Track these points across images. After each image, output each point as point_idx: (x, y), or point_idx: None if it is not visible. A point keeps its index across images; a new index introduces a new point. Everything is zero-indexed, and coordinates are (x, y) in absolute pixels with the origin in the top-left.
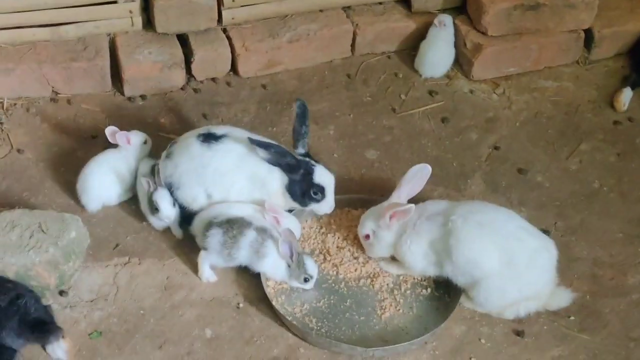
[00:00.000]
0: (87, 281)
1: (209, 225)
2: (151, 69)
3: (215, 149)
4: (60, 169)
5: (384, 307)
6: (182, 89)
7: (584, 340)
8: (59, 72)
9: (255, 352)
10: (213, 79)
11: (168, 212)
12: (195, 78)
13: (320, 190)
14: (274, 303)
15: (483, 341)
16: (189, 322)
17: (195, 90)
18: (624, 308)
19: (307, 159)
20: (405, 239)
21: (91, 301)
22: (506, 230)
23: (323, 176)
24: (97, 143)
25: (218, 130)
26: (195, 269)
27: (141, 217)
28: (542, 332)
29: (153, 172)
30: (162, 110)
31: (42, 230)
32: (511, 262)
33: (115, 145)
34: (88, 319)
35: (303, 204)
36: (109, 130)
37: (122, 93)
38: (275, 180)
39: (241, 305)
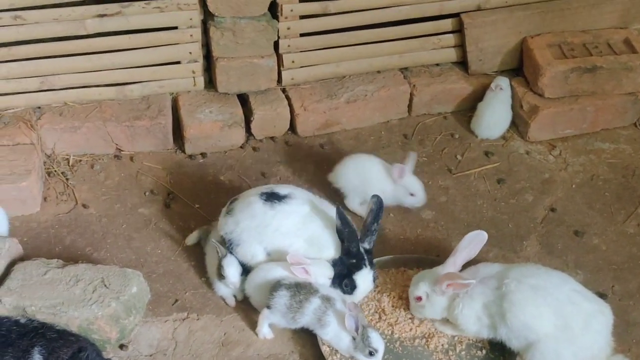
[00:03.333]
0: (146, 336)
1: (278, 285)
2: (212, 128)
3: (277, 209)
4: (122, 225)
5: None
6: (241, 147)
7: None
8: (122, 130)
9: None
10: (272, 138)
11: (234, 279)
12: (254, 137)
13: (352, 287)
14: None
15: None
16: None
17: (255, 149)
18: None
19: (365, 257)
20: (458, 302)
21: (150, 356)
22: (560, 293)
23: (363, 281)
24: (157, 200)
25: (281, 190)
26: (252, 325)
27: (200, 274)
28: None
29: (224, 241)
30: (222, 168)
31: (105, 285)
32: (566, 325)
33: None
34: None
35: (333, 283)
36: None
37: (184, 151)
38: (331, 248)
39: None
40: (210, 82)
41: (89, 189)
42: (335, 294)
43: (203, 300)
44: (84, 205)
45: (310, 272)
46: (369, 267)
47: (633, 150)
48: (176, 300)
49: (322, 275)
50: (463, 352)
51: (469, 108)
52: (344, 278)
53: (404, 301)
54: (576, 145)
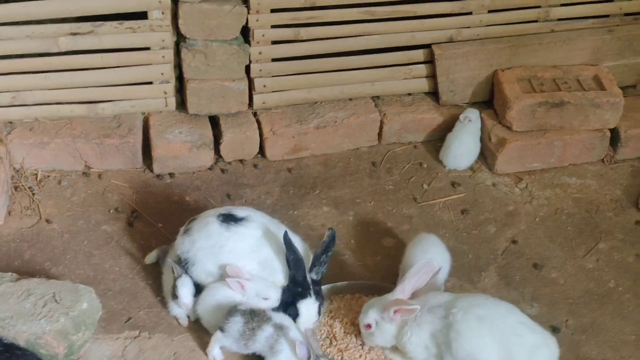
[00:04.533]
0: (96, 352)
1: (234, 311)
2: (180, 149)
3: (233, 230)
4: (84, 242)
5: None
6: (209, 168)
7: None
8: (92, 148)
9: None
10: (241, 161)
11: (186, 300)
12: (223, 159)
13: (295, 315)
14: None
15: None
16: None
17: (223, 171)
18: None
19: (311, 287)
20: (407, 330)
21: None
22: (506, 324)
23: (306, 310)
24: (121, 218)
25: (239, 212)
26: (203, 346)
27: (156, 292)
28: None
29: (180, 260)
30: (189, 189)
31: (56, 300)
32: (509, 357)
33: None
34: None
35: (278, 309)
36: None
37: (152, 170)
38: (281, 273)
39: None
40: (182, 103)
41: (54, 205)
42: (289, 322)
43: (156, 319)
44: (48, 221)
45: (246, 288)
46: (314, 297)
47: (599, 186)
48: (129, 319)
49: (256, 294)
50: None
51: (439, 138)
52: (288, 306)
53: (356, 327)
54: (543, 179)
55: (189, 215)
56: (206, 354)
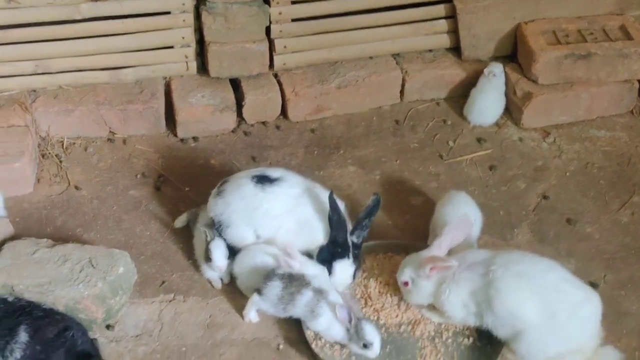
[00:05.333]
0: (133, 317)
1: (272, 275)
2: (203, 112)
3: (268, 191)
4: (113, 207)
5: (424, 355)
6: (232, 131)
7: None
8: (115, 114)
9: None
10: (263, 123)
11: (220, 263)
12: (246, 121)
13: (330, 270)
14: (313, 346)
15: None
16: None
17: (246, 133)
18: None
19: (351, 249)
20: (445, 289)
21: (136, 336)
22: (546, 281)
23: (341, 271)
24: (148, 182)
25: (272, 173)
26: (237, 308)
27: (188, 256)
28: None
29: (213, 223)
30: (213, 152)
31: (92, 265)
32: (552, 314)
33: None
34: (132, 354)
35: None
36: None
37: (175, 134)
38: (320, 233)
39: (281, 346)
40: (203, 67)
41: (82, 171)
42: (328, 286)
43: (190, 283)
44: (77, 187)
45: (294, 269)
46: (351, 259)
47: (629, 138)
48: (163, 282)
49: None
50: (449, 340)
51: (462, 94)
52: (324, 264)
53: (390, 287)
54: (571, 132)
55: (215, 179)
56: (242, 316)
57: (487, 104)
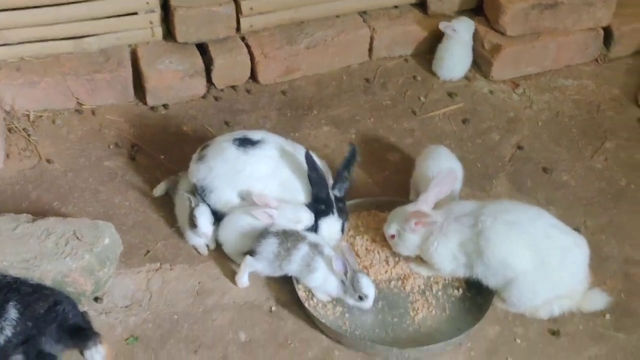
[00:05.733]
0: (120, 287)
1: (265, 233)
2: (172, 78)
3: (251, 154)
4: (88, 179)
5: (416, 309)
6: (203, 97)
7: (620, 340)
8: (82, 84)
9: (289, 356)
10: (233, 87)
11: (206, 229)
12: (215, 86)
13: (315, 229)
14: (306, 305)
15: (518, 341)
16: (223, 327)
17: (216, 98)
18: None
19: (334, 204)
20: (433, 242)
21: (126, 307)
22: (536, 228)
23: (327, 227)
24: (122, 152)
25: (254, 135)
26: (226, 273)
27: (170, 224)
28: (577, 332)
29: (196, 189)
30: (185, 119)
31: (77, 238)
32: (543, 261)
33: None
34: (123, 325)
35: None
36: None
37: (145, 102)
38: (302, 193)
39: (274, 308)
40: (169, 33)
41: (52, 144)
42: (322, 239)
43: (175, 251)
44: (48, 160)
45: (274, 217)
46: (336, 215)
47: (596, 86)
48: (148, 251)
49: (288, 220)
50: (439, 293)
51: (429, 50)
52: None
53: (377, 244)
54: (539, 83)
55: (189, 146)
56: (232, 282)
57: (455, 59)
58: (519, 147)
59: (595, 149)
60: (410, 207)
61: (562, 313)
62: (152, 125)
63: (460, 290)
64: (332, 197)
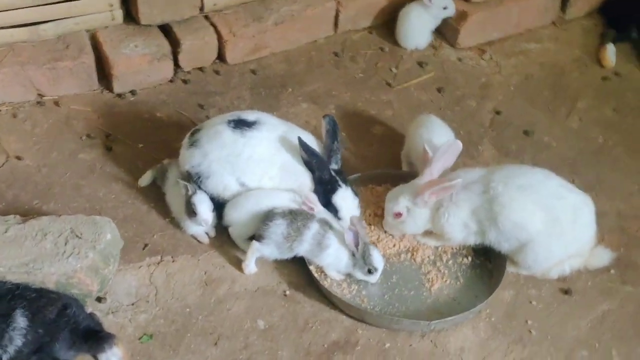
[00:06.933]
0: (122, 285)
1: (271, 215)
2: (140, 63)
3: (248, 136)
4: (66, 174)
5: (430, 280)
6: (171, 81)
7: (628, 292)
8: (43, 74)
9: (313, 339)
10: (200, 69)
11: (206, 216)
12: (182, 69)
13: (335, 211)
14: (323, 284)
15: (534, 303)
16: (239, 315)
17: (185, 82)
18: None
19: (338, 178)
20: (443, 212)
21: (132, 304)
22: (547, 189)
23: (343, 200)
24: (96, 143)
25: (248, 116)
26: (231, 261)
27: (164, 214)
28: (587, 289)
29: (190, 176)
30: (156, 104)
31: (77, 236)
32: (555, 221)
33: None
34: (134, 323)
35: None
36: None
37: (111, 90)
38: (306, 175)
39: (287, 292)
40: (128, 15)
41: (17, 140)
42: (330, 215)
43: (174, 242)
44: (18, 157)
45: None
46: (343, 185)
47: (557, 48)
48: (146, 245)
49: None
50: (450, 262)
51: (391, 19)
52: (326, 206)
53: (379, 218)
54: (504, 48)
55: (166, 132)
56: (239, 269)
57: (418, 28)
58: (497, 112)
59: (568, 110)
60: (417, 182)
61: (571, 272)
62: (122, 113)
63: (469, 258)
64: (334, 173)
